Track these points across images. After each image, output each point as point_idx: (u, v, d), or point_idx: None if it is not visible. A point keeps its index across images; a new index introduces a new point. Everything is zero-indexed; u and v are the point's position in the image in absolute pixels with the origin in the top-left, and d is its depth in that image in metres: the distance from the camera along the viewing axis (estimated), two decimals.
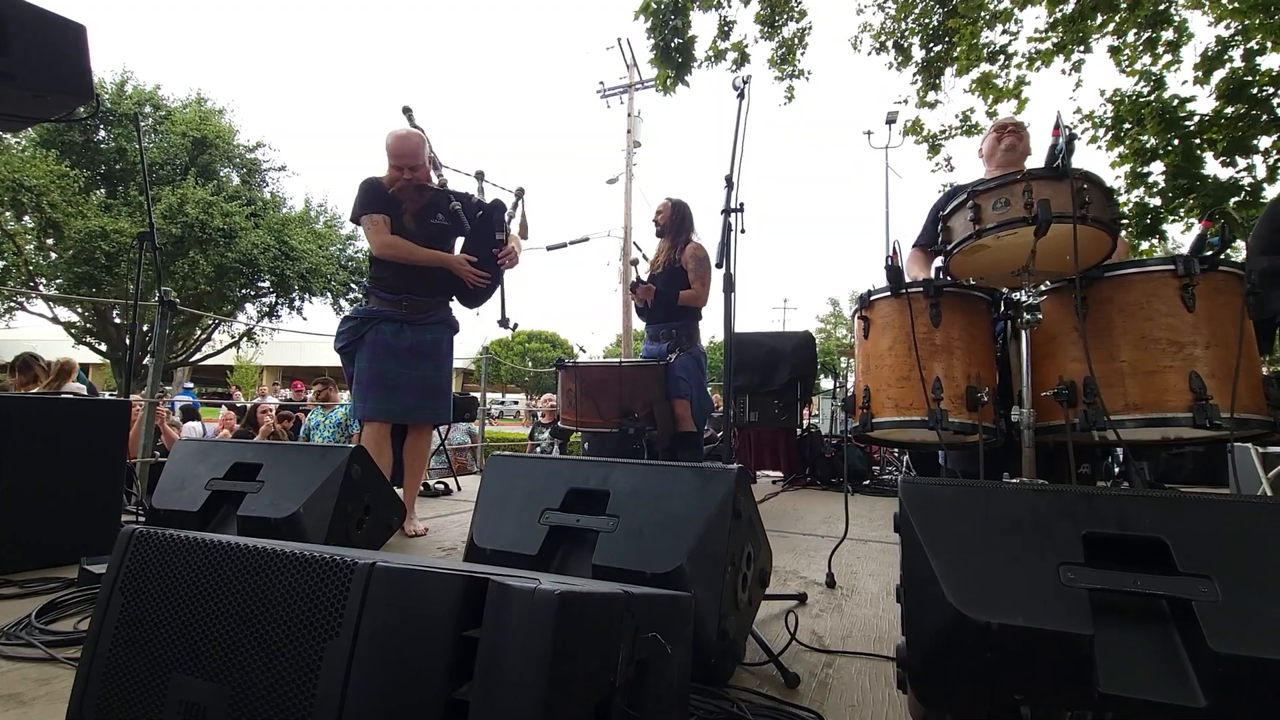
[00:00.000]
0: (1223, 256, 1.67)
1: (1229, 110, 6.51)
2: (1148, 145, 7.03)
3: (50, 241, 15.52)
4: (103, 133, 16.25)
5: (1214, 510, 0.96)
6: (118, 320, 16.72)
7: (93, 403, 2.39)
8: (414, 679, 0.64)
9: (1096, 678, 0.88)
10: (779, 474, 5.19)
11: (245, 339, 19.36)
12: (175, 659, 0.71)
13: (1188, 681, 0.87)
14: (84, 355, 18.69)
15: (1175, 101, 6.70)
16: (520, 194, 2.88)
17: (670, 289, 3.40)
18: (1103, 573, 0.94)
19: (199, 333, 18.69)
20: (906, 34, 7.31)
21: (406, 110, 2.78)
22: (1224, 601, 0.87)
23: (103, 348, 17.21)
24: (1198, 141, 6.77)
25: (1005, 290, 1.99)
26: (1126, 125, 7.05)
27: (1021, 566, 0.98)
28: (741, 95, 1.98)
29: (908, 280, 1.98)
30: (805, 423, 5.42)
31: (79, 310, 16.73)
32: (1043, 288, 1.81)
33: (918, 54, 7.33)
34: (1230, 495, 0.95)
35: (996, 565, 0.99)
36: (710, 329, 3.85)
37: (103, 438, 2.18)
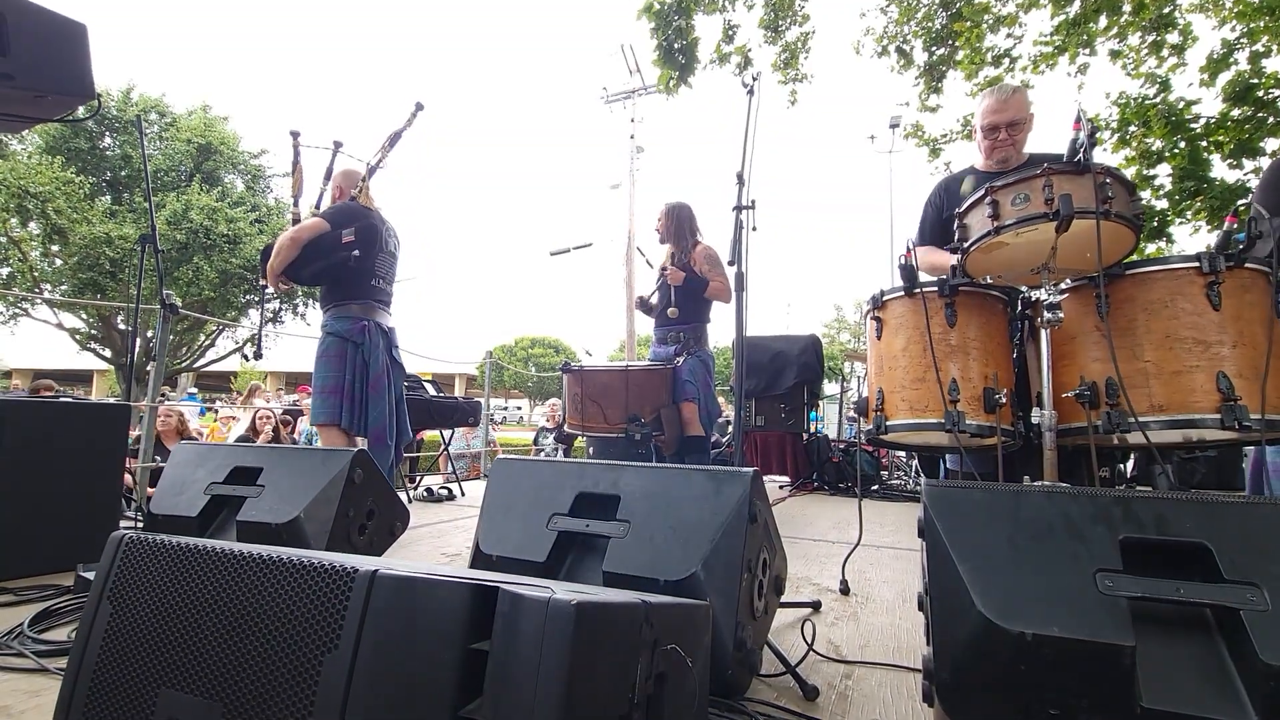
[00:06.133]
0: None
1: (1235, 113, 6.47)
2: (1154, 148, 6.99)
3: (55, 248, 15.55)
4: (108, 139, 16.32)
5: (1259, 514, 0.91)
6: (122, 326, 16.74)
7: (91, 406, 2.36)
8: (418, 694, 0.59)
9: (1138, 692, 0.83)
10: (786, 478, 5.14)
11: (249, 344, 19.36)
12: (165, 673, 0.67)
13: (1236, 695, 0.82)
14: (89, 361, 18.74)
15: (1181, 104, 6.66)
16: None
17: (684, 294, 3.35)
18: (1143, 580, 0.89)
19: (203, 338, 18.71)
20: (909, 38, 7.29)
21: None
22: (1274, 610, 0.83)
23: (107, 354, 17.23)
24: (1204, 144, 6.73)
25: (1024, 289, 1.94)
26: (1132, 128, 7.00)
27: (1056, 574, 0.93)
28: (751, 93, 1.94)
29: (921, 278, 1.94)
30: (812, 427, 5.37)
31: (83, 316, 16.75)
32: (1063, 286, 1.76)
33: (920, 58, 7.31)
34: (1276, 499, 0.91)
35: (1029, 572, 0.94)
36: (716, 333, 3.76)
37: (102, 442, 2.14)
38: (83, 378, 28.42)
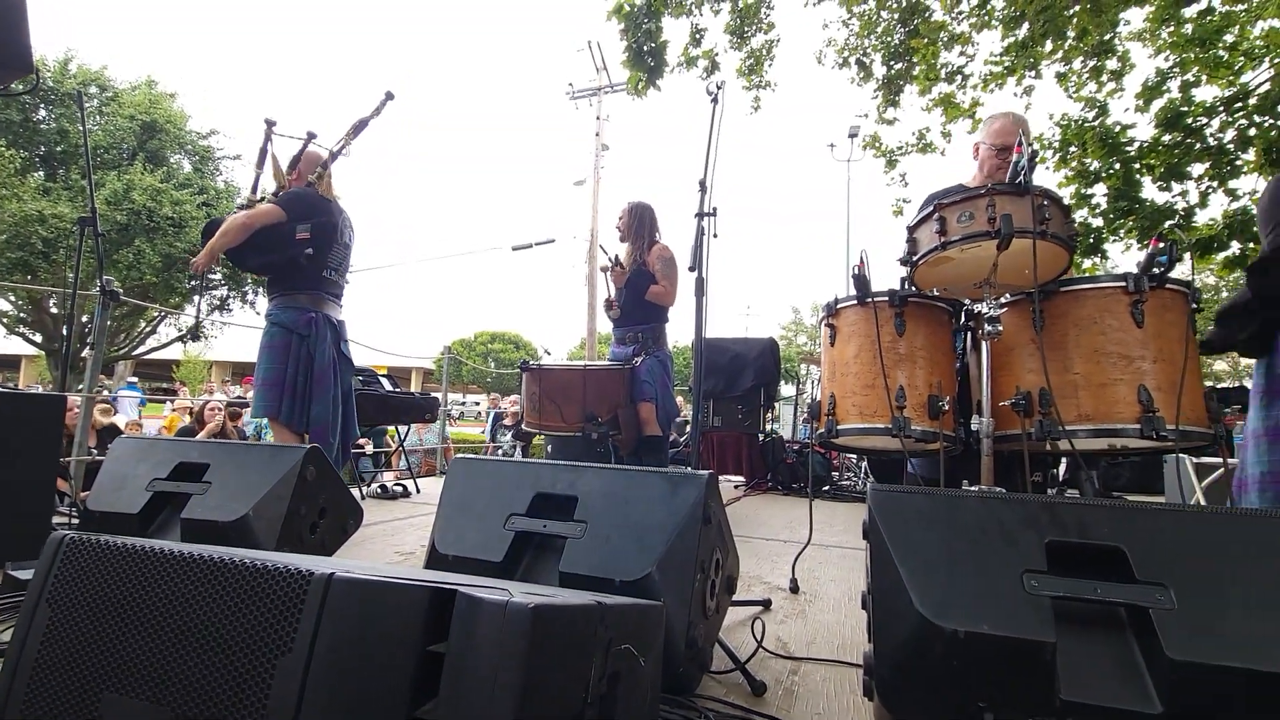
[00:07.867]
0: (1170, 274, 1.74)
1: (1166, 138, 6.86)
2: (1091, 168, 7.35)
3: None
4: (43, 112, 15.39)
5: (1170, 520, 0.99)
6: (54, 310, 15.84)
7: (23, 397, 2.24)
8: (374, 697, 0.60)
9: (1058, 685, 0.90)
10: (741, 479, 5.23)
11: (192, 334, 18.57)
12: (107, 677, 0.65)
13: (1145, 688, 0.89)
14: (17, 346, 17.67)
15: (1117, 128, 7.03)
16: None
17: (637, 293, 3.38)
18: (1065, 580, 0.96)
19: (143, 325, 17.85)
20: (869, 51, 7.49)
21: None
22: (1179, 609, 0.90)
23: (37, 339, 16.26)
24: (1137, 166, 7.12)
25: (967, 301, 2.04)
26: (1072, 148, 7.36)
27: (987, 575, 0.99)
28: (715, 100, 1.98)
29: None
30: (768, 428, 5.47)
31: (11, 298, 15.78)
32: (1002, 300, 1.86)
33: (879, 71, 7.52)
34: (1186, 506, 0.99)
35: (963, 573, 1.00)
36: (676, 333, 3.82)
37: (34, 434, 2.04)
38: (10, 363, 26.79)
